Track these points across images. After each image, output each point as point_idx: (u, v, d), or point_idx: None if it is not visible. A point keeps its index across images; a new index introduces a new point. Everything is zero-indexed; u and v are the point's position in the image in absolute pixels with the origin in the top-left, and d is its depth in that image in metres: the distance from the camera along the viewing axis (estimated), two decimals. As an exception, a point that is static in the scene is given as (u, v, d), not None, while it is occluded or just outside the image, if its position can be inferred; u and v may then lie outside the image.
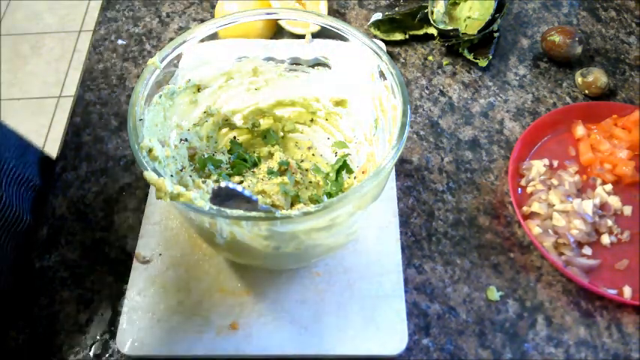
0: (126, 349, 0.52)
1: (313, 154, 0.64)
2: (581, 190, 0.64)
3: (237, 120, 0.63)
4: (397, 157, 0.45)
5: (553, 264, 0.57)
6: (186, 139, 0.57)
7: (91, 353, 0.54)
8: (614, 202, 0.62)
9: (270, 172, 0.59)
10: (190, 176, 0.55)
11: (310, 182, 0.61)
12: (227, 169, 0.60)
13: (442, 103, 0.74)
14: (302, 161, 0.63)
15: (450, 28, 0.75)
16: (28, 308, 0.57)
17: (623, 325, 0.56)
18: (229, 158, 0.61)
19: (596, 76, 0.72)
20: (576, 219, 0.60)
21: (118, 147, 0.69)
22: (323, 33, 0.55)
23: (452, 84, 0.76)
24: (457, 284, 0.58)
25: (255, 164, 0.61)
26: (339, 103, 0.61)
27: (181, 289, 0.56)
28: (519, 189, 0.65)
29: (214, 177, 0.58)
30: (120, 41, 0.81)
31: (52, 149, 0.72)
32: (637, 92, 0.75)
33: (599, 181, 0.65)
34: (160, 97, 0.52)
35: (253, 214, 0.41)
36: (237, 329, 0.53)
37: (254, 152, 0.63)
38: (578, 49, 0.75)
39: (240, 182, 0.58)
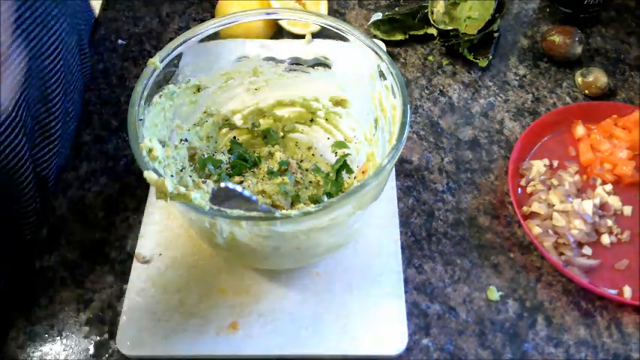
0: (126, 349, 0.52)
1: (313, 154, 0.64)
2: (581, 190, 0.64)
3: (237, 120, 0.63)
4: (397, 157, 0.45)
5: (553, 264, 0.57)
6: (186, 139, 0.57)
7: (91, 353, 0.54)
8: (614, 202, 0.62)
9: (270, 172, 0.59)
10: (190, 176, 0.55)
11: (310, 182, 0.61)
12: (227, 169, 0.60)
13: (442, 103, 0.74)
14: (302, 161, 0.63)
15: (450, 28, 0.75)
16: (28, 308, 0.57)
17: (623, 325, 0.56)
18: (229, 158, 0.61)
19: (596, 76, 0.72)
20: (576, 219, 0.60)
21: (118, 147, 0.69)
22: (323, 33, 0.55)
23: (452, 84, 0.76)
24: (457, 284, 0.58)
25: (255, 164, 0.61)
26: (339, 103, 0.61)
27: (181, 289, 0.56)
28: (519, 189, 0.65)
29: (214, 177, 0.58)
30: (120, 41, 0.81)
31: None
32: (637, 92, 0.75)
33: (599, 181, 0.65)
34: (160, 97, 0.52)
35: (253, 214, 0.41)
36: (237, 329, 0.53)
37: (254, 152, 0.63)
38: (578, 49, 0.75)
39: (240, 182, 0.58)
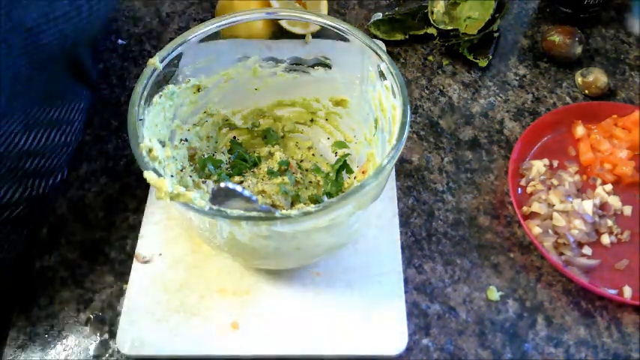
0: (126, 349, 0.52)
1: (313, 154, 0.64)
2: (581, 190, 0.64)
3: (237, 120, 0.63)
4: (397, 157, 0.45)
5: (553, 264, 0.57)
6: (186, 139, 0.57)
7: (91, 353, 0.54)
8: (614, 202, 0.62)
9: (270, 172, 0.59)
10: (190, 176, 0.55)
11: (310, 182, 0.61)
12: (227, 169, 0.60)
13: (442, 103, 0.74)
14: (302, 161, 0.63)
15: (450, 28, 0.75)
16: (28, 308, 0.57)
17: (623, 325, 0.56)
18: (229, 158, 0.61)
19: (596, 76, 0.73)
20: (576, 219, 0.60)
21: (118, 147, 0.69)
22: (323, 33, 0.55)
23: (452, 84, 0.76)
24: (457, 284, 0.58)
25: (255, 164, 0.61)
26: (339, 103, 0.61)
27: (181, 289, 0.56)
28: (519, 189, 0.65)
29: (214, 177, 0.58)
30: (120, 41, 0.81)
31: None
32: (637, 92, 0.75)
33: (599, 181, 0.65)
34: (160, 97, 0.52)
35: (253, 214, 0.41)
36: (237, 329, 0.53)
37: (254, 152, 0.63)
38: (578, 49, 0.75)
39: (240, 182, 0.58)
